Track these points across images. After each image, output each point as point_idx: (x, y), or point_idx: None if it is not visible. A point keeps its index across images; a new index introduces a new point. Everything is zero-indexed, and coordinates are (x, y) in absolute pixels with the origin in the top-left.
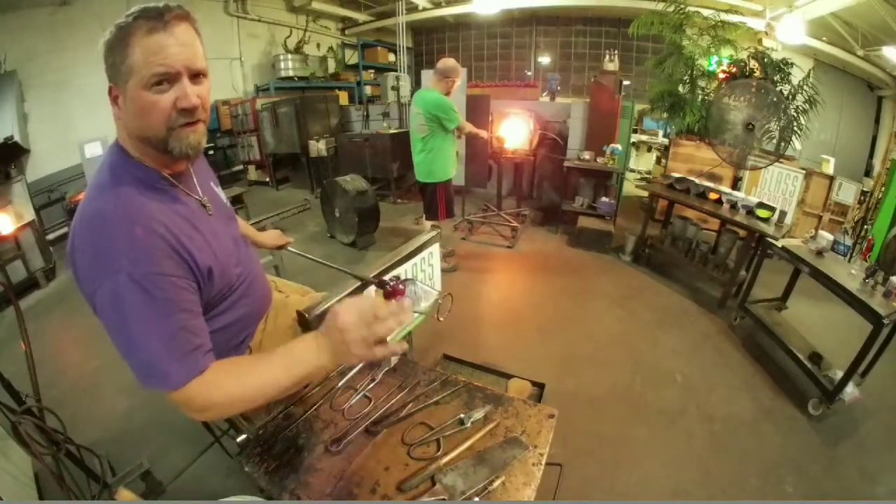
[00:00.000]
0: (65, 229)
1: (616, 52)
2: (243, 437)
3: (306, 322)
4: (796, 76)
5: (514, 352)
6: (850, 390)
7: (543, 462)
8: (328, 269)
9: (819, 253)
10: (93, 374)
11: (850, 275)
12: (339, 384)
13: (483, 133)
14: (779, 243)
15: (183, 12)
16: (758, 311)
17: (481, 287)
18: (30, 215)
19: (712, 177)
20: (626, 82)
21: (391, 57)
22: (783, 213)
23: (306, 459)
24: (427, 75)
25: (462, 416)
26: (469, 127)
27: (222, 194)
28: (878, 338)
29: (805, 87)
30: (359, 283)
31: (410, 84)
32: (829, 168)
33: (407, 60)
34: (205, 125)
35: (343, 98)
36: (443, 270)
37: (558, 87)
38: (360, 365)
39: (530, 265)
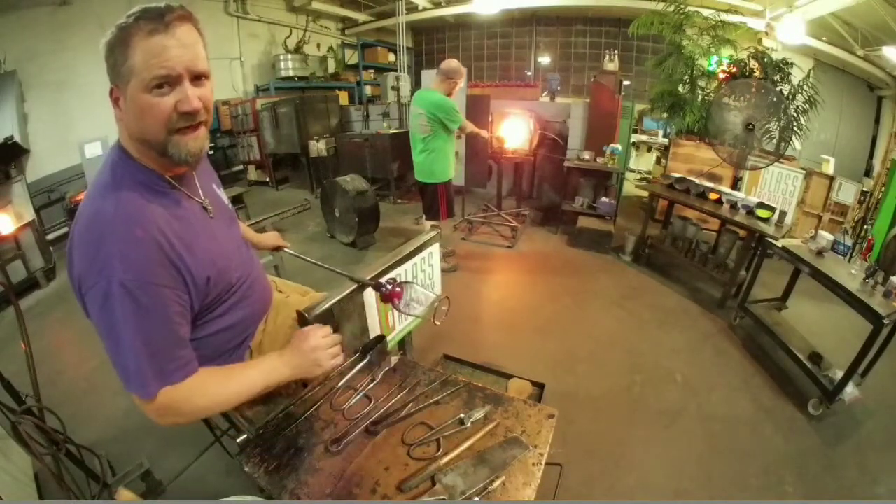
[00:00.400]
0: (65, 229)
1: (616, 52)
2: (243, 437)
3: (306, 322)
4: (796, 76)
5: (514, 352)
6: (850, 390)
7: (543, 462)
8: (328, 268)
9: (819, 253)
10: (93, 374)
11: (850, 275)
12: (339, 384)
13: (484, 132)
14: (779, 243)
15: (185, 13)
16: (758, 311)
17: (481, 287)
18: (30, 215)
19: (712, 177)
20: (626, 82)
21: (391, 57)
22: (783, 213)
23: (306, 459)
24: (428, 75)
25: (462, 416)
26: (471, 126)
27: (224, 196)
28: (878, 338)
29: (805, 87)
30: (356, 286)
31: (410, 84)
32: (829, 168)
33: (407, 60)
34: (207, 128)
35: (343, 98)
36: (443, 270)
37: (558, 87)
38: (360, 365)
39: (530, 265)
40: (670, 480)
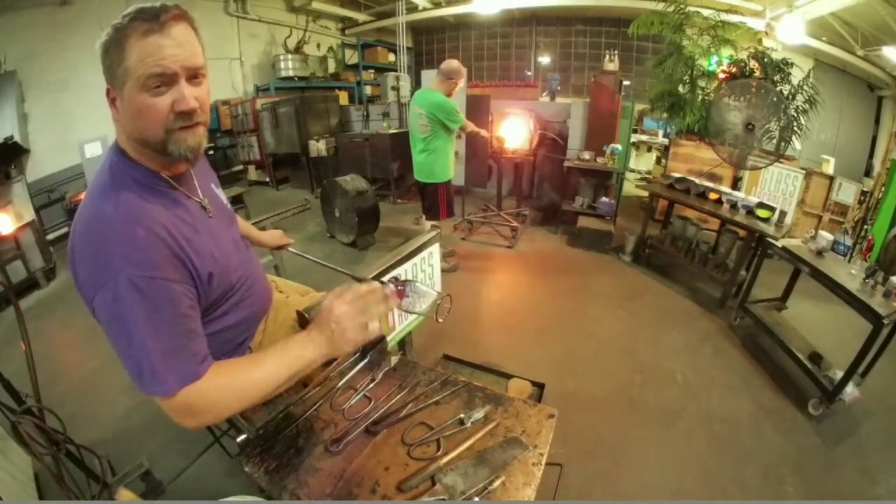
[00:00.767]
0: (65, 229)
1: (616, 52)
2: (243, 437)
3: (306, 322)
4: (796, 76)
5: (514, 352)
6: (850, 390)
7: (543, 462)
8: (328, 268)
9: (819, 253)
10: (93, 374)
11: (850, 275)
12: (339, 384)
13: (484, 132)
14: (779, 243)
15: (180, 12)
16: (758, 311)
17: (481, 287)
18: (30, 215)
19: (712, 177)
20: (626, 82)
21: (391, 57)
22: (783, 213)
23: (306, 459)
24: (428, 75)
25: (462, 416)
26: (471, 126)
27: (223, 196)
28: (878, 338)
29: (805, 87)
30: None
31: (410, 84)
32: (829, 168)
33: (407, 60)
34: (205, 127)
35: (343, 98)
36: (443, 270)
37: (558, 87)
38: (360, 365)
39: (530, 265)
40: (670, 480)
